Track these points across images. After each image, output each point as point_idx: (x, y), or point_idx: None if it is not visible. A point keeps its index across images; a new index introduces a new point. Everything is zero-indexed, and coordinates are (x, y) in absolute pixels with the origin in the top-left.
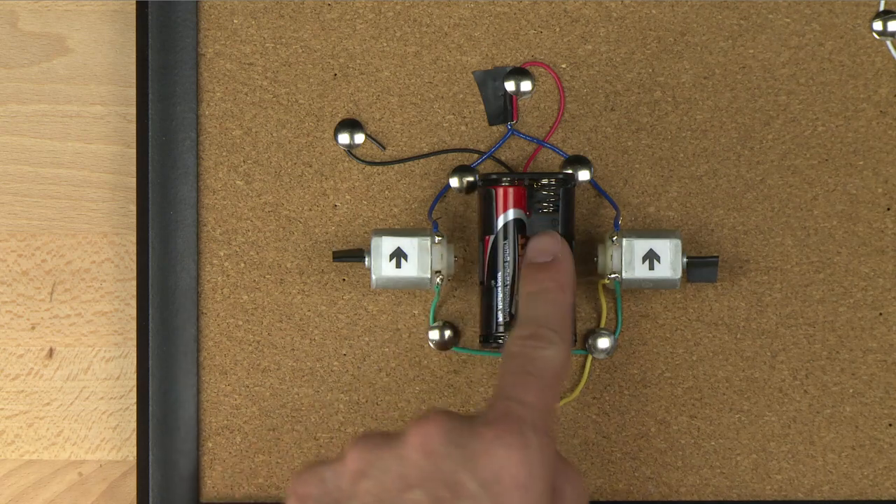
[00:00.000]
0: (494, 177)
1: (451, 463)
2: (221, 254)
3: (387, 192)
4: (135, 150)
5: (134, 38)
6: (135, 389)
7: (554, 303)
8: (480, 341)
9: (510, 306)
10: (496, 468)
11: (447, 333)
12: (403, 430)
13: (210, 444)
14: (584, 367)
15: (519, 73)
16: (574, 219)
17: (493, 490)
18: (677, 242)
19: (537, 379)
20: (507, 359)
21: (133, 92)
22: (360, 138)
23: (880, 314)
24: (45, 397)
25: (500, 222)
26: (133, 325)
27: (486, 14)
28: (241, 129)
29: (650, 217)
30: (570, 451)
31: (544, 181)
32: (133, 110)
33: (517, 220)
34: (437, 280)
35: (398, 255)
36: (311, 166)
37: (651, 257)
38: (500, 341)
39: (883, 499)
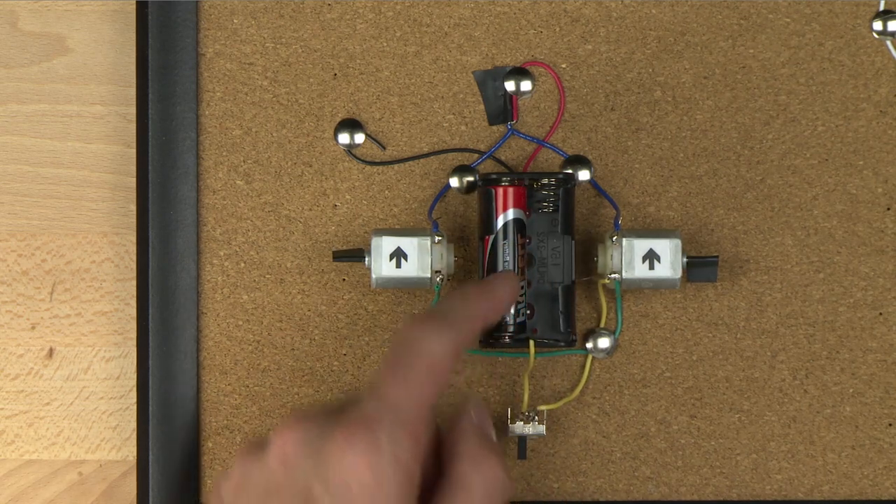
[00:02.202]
0: (494, 176)
1: (304, 472)
2: (221, 254)
3: (387, 192)
4: (135, 150)
5: (134, 38)
6: (135, 389)
7: (466, 300)
8: (480, 341)
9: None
10: (345, 475)
11: None
12: (271, 434)
13: (210, 444)
14: (584, 366)
15: (519, 72)
16: (574, 218)
17: (343, 498)
18: (677, 242)
19: (410, 371)
20: (391, 344)
21: (133, 92)
22: (360, 138)
23: (880, 314)
24: (45, 397)
25: (500, 222)
26: (133, 324)
27: (486, 14)
28: (241, 129)
29: (650, 217)
30: (569, 450)
31: (544, 181)
32: (133, 110)
33: (517, 220)
34: (437, 280)
35: (398, 255)
36: (311, 166)
37: (651, 257)
38: (500, 341)
39: (883, 498)
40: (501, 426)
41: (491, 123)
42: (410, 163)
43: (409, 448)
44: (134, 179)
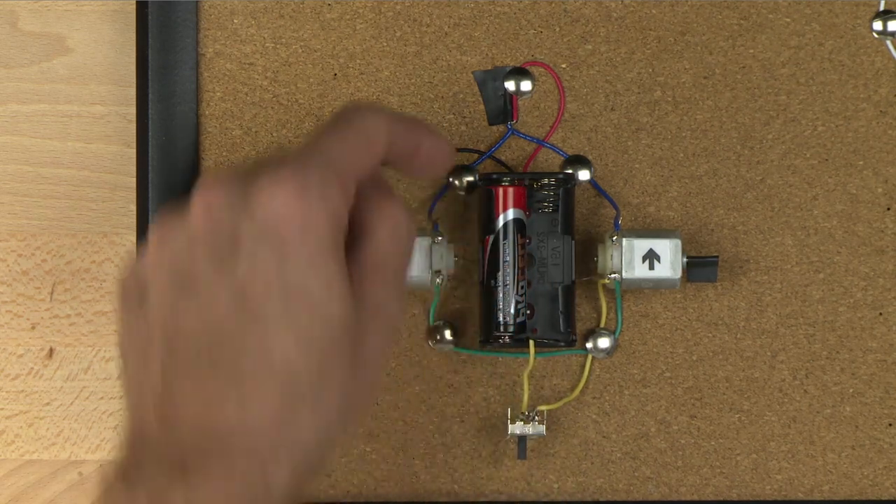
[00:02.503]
0: (494, 176)
1: (230, 220)
2: None
3: None
4: (135, 150)
5: (134, 38)
6: None
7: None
8: (480, 341)
9: (510, 305)
10: (272, 215)
11: (447, 333)
12: (191, 195)
13: None
14: (584, 366)
15: (519, 72)
16: (574, 218)
17: (272, 241)
18: (677, 242)
19: (347, 132)
20: (330, 116)
21: (133, 92)
22: None
23: (880, 314)
24: (45, 397)
25: (500, 222)
26: None
27: (486, 14)
28: (241, 129)
29: (650, 217)
30: (569, 450)
31: (544, 181)
32: (133, 110)
33: (517, 220)
34: (437, 280)
35: None
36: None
37: (651, 257)
38: (500, 341)
39: (883, 498)
40: (501, 426)
41: (491, 123)
42: None
43: (338, 195)
44: (134, 179)
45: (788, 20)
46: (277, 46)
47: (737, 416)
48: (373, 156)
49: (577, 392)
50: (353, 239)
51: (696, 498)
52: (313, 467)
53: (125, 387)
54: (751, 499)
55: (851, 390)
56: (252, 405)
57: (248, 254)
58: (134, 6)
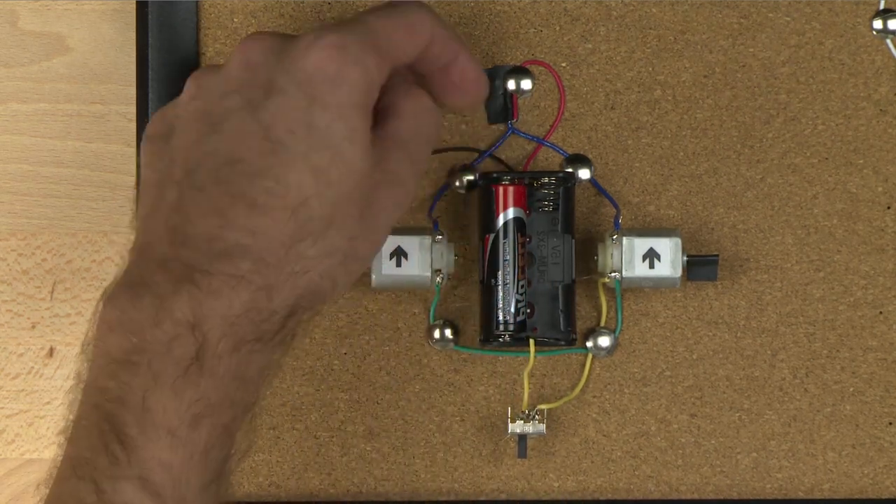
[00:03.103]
0: (495, 175)
1: (267, 69)
2: None
3: None
4: (135, 150)
5: (134, 38)
6: None
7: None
8: (480, 340)
9: (510, 304)
10: (308, 65)
11: (447, 332)
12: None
13: None
14: (584, 365)
15: (519, 71)
16: (574, 217)
17: (304, 87)
18: (677, 241)
19: (397, 15)
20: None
21: (133, 91)
22: None
23: (880, 313)
24: (46, 396)
25: (500, 221)
26: None
27: (486, 13)
28: None
29: (650, 216)
30: (570, 449)
31: (544, 180)
32: (133, 109)
33: (517, 219)
34: (438, 279)
35: (398, 254)
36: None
37: (651, 256)
38: (501, 340)
39: (883, 497)
40: (502, 425)
41: (491, 122)
42: None
43: (374, 65)
44: (134, 178)
45: (788, 19)
46: None
47: (737, 414)
48: (413, 45)
49: (577, 391)
50: (379, 118)
51: (696, 497)
52: (313, 303)
53: (140, 212)
54: (751, 497)
55: (852, 389)
56: (263, 227)
57: (278, 95)
58: (134, 6)
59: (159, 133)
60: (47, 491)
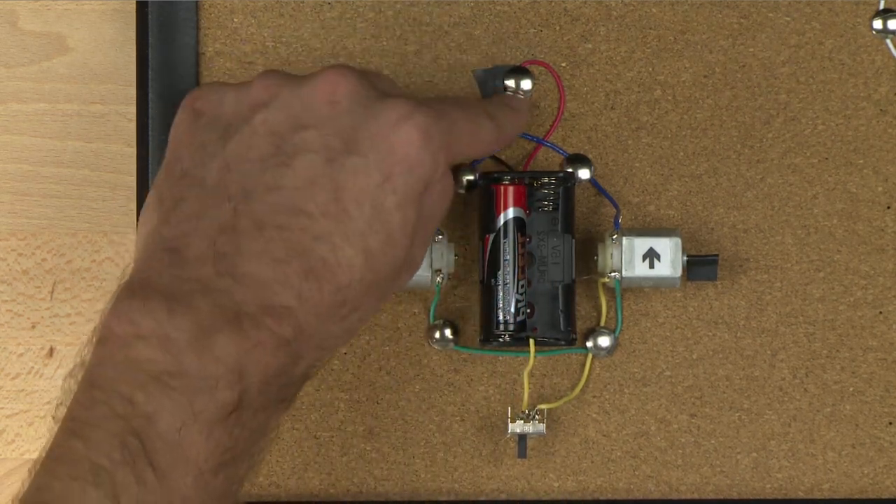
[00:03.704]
0: (495, 175)
1: (352, 119)
2: None
3: None
4: (135, 150)
5: (134, 37)
6: None
7: (513, 120)
8: (481, 340)
9: (510, 304)
10: (395, 141)
11: (447, 332)
12: (314, 74)
13: None
14: (584, 365)
15: (519, 71)
16: (574, 217)
17: (384, 161)
18: (677, 241)
19: (471, 119)
20: (455, 98)
21: (133, 91)
22: None
23: (880, 312)
24: (46, 396)
25: (501, 221)
26: None
27: (485, 13)
28: None
29: (650, 216)
30: (570, 449)
31: (544, 180)
32: (133, 109)
33: (517, 219)
34: (438, 279)
35: None
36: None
37: (651, 256)
38: (501, 340)
39: (883, 497)
40: (502, 425)
41: None
42: None
43: (445, 159)
44: (134, 179)
45: (788, 19)
46: (277, 46)
47: (737, 414)
48: (480, 153)
49: (577, 391)
50: None
51: (696, 496)
52: (319, 369)
53: (168, 202)
54: (751, 497)
55: (851, 389)
56: (309, 295)
57: (358, 157)
58: (134, 6)
59: (212, 117)
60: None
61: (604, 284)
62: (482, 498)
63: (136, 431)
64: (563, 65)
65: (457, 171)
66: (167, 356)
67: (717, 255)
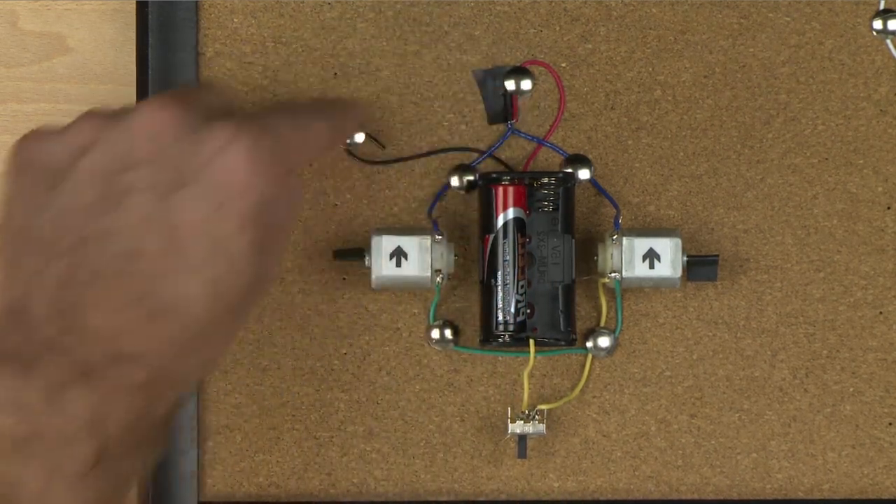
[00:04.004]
0: (494, 176)
1: (178, 151)
2: None
3: (387, 191)
4: None
5: (134, 38)
6: None
7: (341, 119)
8: (480, 340)
9: (510, 305)
10: (222, 167)
11: (447, 332)
12: (135, 109)
13: (210, 444)
14: (584, 366)
15: (519, 71)
16: (574, 217)
17: (213, 186)
18: (677, 241)
19: (302, 126)
20: (285, 103)
21: (133, 91)
22: (360, 137)
23: (880, 313)
24: None
25: (500, 221)
26: None
27: (485, 13)
28: None
29: (650, 216)
30: (570, 449)
31: (544, 180)
32: None
33: (517, 219)
34: (438, 279)
35: (398, 254)
36: (310, 166)
37: (651, 256)
38: (500, 340)
39: (883, 497)
40: (501, 426)
41: (491, 123)
42: (410, 162)
43: (280, 175)
44: None
45: (788, 19)
46: (277, 46)
47: (737, 415)
48: (316, 154)
49: (577, 391)
50: None
51: (696, 497)
52: (183, 402)
53: (8, 255)
54: (751, 498)
55: (852, 389)
56: (159, 337)
57: (188, 190)
58: (134, 6)
59: (39, 168)
60: None
61: (604, 285)
62: (482, 498)
63: (4, 498)
64: (563, 65)
65: (455, 171)
66: (23, 421)
67: (717, 256)
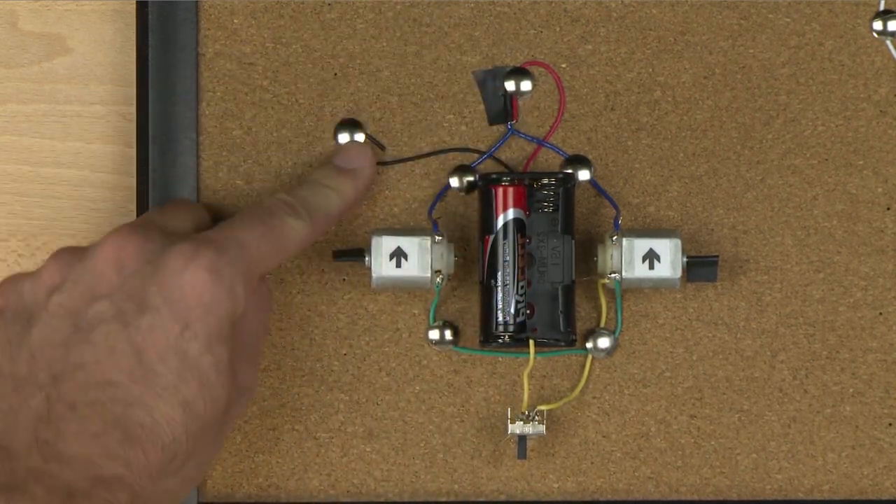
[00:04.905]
0: (494, 176)
1: (140, 278)
2: None
3: (387, 192)
4: (135, 150)
5: (134, 38)
6: None
7: (329, 200)
8: (480, 341)
9: (510, 305)
10: (184, 287)
11: (447, 333)
12: (99, 243)
13: None
14: (584, 366)
15: (519, 72)
16: (574, 218)
17: (177, 311)
18: (677, 242)
19: (268, 230)
20: (252, 206)
21: (133, 91)
22: (360, 138)
23: (880, 314)
24: None
25: (500, 222)
26: None
27: (486, 14)
28: (241, 129)
29: (650, 216)
30: (569, 450)
31: (544, 181)
32: (133, 110)
33: (517, 220)
34: (438, 279)
35: (398, 255)
36: (311, 166)
37: (651, 257)
38: (500, 341)
39: (883, 498)
40: (501, 426)
41: (491, 123)
42: (410, 163)
43: (244, 288)
44: (134, 179)
45: (788, 20)
46: (277, 46)
47: (737, 415)
48: (281, 258)
49: (577, 392)
50: None
51: (696, 497)
52: None
53: None
54: (751, 498)
55: (851, 390)
56: (136, 459)
57: (152, 314)
58: (134, 6)
59: (14, 311)
60: None
61: (604, 285)
62: (482, 499)
63: None
64: (563, 66)
65: (455, 172)
66: None
67: (716, 256)
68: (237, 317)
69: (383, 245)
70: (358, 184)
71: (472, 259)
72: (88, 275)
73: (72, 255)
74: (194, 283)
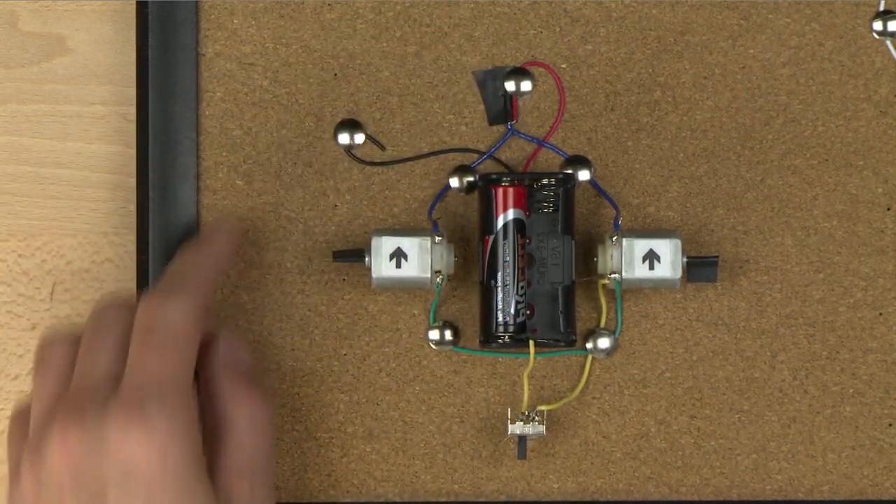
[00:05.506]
0: (494, 176)
1: (90, 462)
2: None
3: (387, 192)
4: (135, 150)
5: (134, 38)
6: None
7: (193, 265)
8: (480, 341)
9: (510, 306)
10: (128, 461)
11: (447, 333)
12: (44, 438)
13: None
14: (584, 367)
15: (519, 72)
16: (574, 218)
17: (133, 486)
18: (677, 242)
19: (161, 345)
20: (135, 324)
21: (133, 92)
22: (360, 138)
23: (880, 314)
24: None
25: (500, 222)
26: None
27: (486, 14)
28: (241, 129)
29: (650, 217)
30: (570, 450)
31: (544, 181)
32: (133, 110)
33: (517, 220)
34: (437, 280)
35: (398, 255)
36: (311, 166)
37: (651, 257)
38: (500, 341)
39: (883, 499)
40: (501, 426)
41: (491, 123)
42: (410, 163)
43: (182, 418)
44: (134, 179)
45: (788, 20)
46: (277, 46)
47: (737, 416)
48: (194, 347)
49: (577, 392)
50: (214, 431)
51: (696, 498)
52: None
53: None
54: (751, 499)
55: (851, 390)
56: None
57: (113, 490)
58: (134, 6)
59: None
60: None
61: (604, 286)
62: (482, 499)
63: None
64: (564, 66)
65: (455, 172)
66: None
67: (716, 257)
68: (197, 441)
69: (383, 245)
70: (222, 240)
71: (472, 259)
72: (46, 471)
73: (32, 451)
74: (136, 457)
